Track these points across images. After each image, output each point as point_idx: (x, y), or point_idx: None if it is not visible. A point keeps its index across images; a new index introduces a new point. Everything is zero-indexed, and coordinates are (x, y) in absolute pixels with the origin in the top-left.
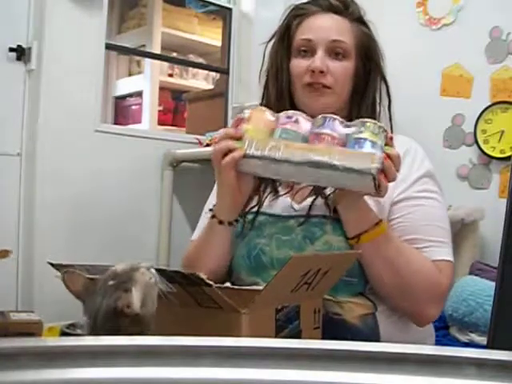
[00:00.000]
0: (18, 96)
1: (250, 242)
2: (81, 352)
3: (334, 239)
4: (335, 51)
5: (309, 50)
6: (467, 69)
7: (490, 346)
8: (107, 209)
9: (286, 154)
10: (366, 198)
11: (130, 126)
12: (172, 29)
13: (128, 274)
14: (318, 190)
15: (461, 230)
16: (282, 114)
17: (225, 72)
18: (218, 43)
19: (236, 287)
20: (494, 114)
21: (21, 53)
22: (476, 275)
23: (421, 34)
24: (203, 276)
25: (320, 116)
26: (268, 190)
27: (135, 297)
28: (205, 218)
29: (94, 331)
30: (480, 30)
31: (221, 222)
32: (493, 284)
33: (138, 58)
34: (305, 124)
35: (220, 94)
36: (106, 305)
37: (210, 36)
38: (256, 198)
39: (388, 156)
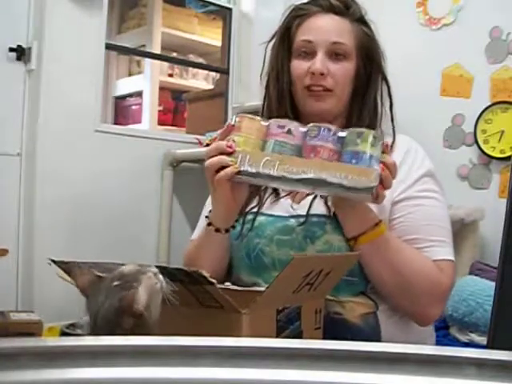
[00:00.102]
0: (18, 96)
1: (249, 243)
2: (81, 352)
3: (334, 239)
4: (336, 53)
5: (309, 52)
6: (467, 69)
7: (490, 345)
8: (107, 208)
9: (282, 171)
10: None
11: (130, 126)
12: (172, 29)
13: (134, 275)
14: None
15: (461, 230)
16: (273, 123)
17: (225, 72)
18: (218, 43)
19: (238, 288)
20: (494, 113)
21: (21, 53)
22: (476, 275)
23: (421, 34)
24: (206, 274)
25: (313, 124)
26: (269, 191)
27: (139, 298)
28: (204, 219)
29: (95, 330)
30: (480, 30)
31: (217, 230)
32: (493, 284)
33: (138, 58)
34: (298, 134)
35: (220, 93)
36: (108, 304)
37: (210, 36)
38: (256, 199)
39: (384, 165)
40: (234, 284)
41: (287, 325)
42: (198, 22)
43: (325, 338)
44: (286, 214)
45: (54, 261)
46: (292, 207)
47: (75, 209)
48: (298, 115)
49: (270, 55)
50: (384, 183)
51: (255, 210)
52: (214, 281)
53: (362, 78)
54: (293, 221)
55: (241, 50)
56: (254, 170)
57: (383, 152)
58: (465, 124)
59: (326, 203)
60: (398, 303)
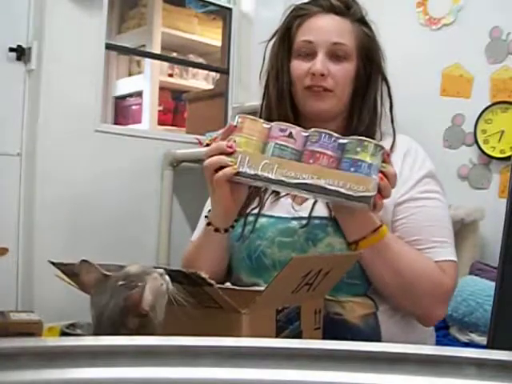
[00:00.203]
0: (18, 96)
1: (251, 244)
2: (81, 352)
3: (336, 241)
4: (336, 54)
5: (309, 52)
6: (467, 69)
7: (490, 346)
8: (107, 208)
9: (280, 175)
10: None
11: (130, 126)
12: (172, 29)
13: (140, 276)
14: None
15: (461, 230)
16: (275, 126)
17: (225, 72)
18: (218, 43)
19: (237, 288)
20: (494, 114)
21: (21, 53)
22: (476, 275)
23: (421, 34)
24: (205, 275)
25: (314, 130)
26: (269, 191)
27: (145, 298)
28: (204, 220)
29: (99, 329)
30: (480, 30)
31: (217, 230)
32: (493, 284)
33: (138, 58)
34: (299, 138)
35: (220, 93)
36: (114, 303)
37: (210, 36)
38: (256, 200)
39: (384, 174)
40: (234, 284)
41: (287, 325)
42: (198, 22)
43: (325, 338)
44: (288, 215)
45: (53, 263)
46: (293, 208)
47: (75, 209)
48: (297, 115)
49: (269, 55)
50: (382, 193)
51: (256, 211)
52: (212, 282)
53: (362, 79)
54: (295, 223)
55: (241, 50)
56: (252, 172)
57: (384, 161)
58: (465, 124)
59: (327, 205)
60: (400, 305)
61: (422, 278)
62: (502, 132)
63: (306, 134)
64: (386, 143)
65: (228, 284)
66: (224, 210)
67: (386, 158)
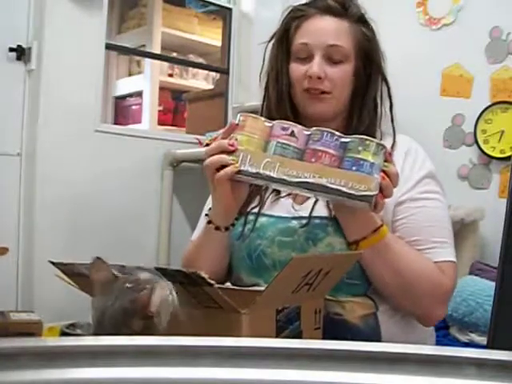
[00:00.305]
0: (18, 96)
1: (251, 244)
2: (81, 352)
3: (336, 241)
4: (333, 56)
5: (306, 55)
6: (467, 69)
7: (490, 345)
8: (107, 208)
9: (281, 174)
10: None
11: (130, 126)
12: (172, 29)
13: (149, 282)
14: None
15: (461, 230)
16: (277, 124)
17: (225, 72)
18: (218, 43)
19: (237, 288)
20: (494, 114)
21: (21, 53)
22: (476, 275)
23: (421, 34)
24: (205, 275)
25: (316, 128)
26: (269, 190)
27: (153, 301)
28: (204, 219)
29: (99, 329)
30: (480, 30)
31: (217, 228)
32: (493, 284)
33: (138, 58)
34: (301, 136)
35: (220, 93)
36: (118, 304)
37: (210, 36)
38: (257, 199)
39: (386, 173)
40: (234, 284)
41: (287, 325)
42: (198, 22)
43: (325, 338)
44: (288, 215)
45: (53, 262)
46: (294, 208)
47: (75, 208)
48: (297, 116)
49: (269, 56)
50: (384, 192)
51: (256, 210)
52: (212, 282)
53: (361, 79)
54: (295, 222)
55: (241, 50)
56: (254, 171)
57: (386, 160)
58: (465, 124)
59: (327, 205)
60: (400, 305)
61: (421, 278)
62: (502, 132)
63: (308, 133)
64: (387, 143)
65: (228, 284)
66: (225, 208)
67: (388, 158)
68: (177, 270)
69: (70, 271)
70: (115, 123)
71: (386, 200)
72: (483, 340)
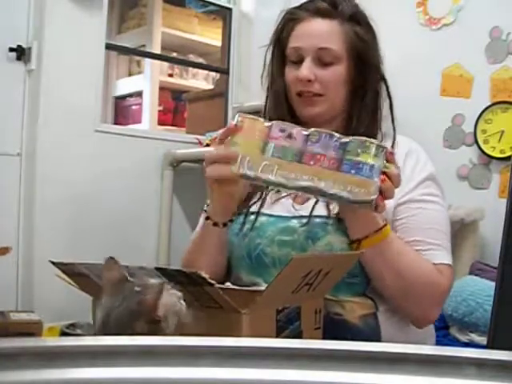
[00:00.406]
0: (18, 96)
1: (250, 243)
2: (81, 352)
3: (336, 240)
4: (323, 58)
5: (298, 59)
6: (467, 69)
7: (490, 345)
8: (107, 208)
9: (280, 177)
10: None
11: (130, 126)
12: (172, 29)
13: (159, 287)
14: None
15: (461, 230)
16: (275, 126)
17: (225, 72)
18: (218, 43)
19: (237, 288)
20: (494, 114)
21: (21, 53)
22: (476, 275)
23: (421, 34)
24: (205, 275)
25: (315, 130)
26: (270, 189)
27: (161, 306)
28: (202, 215)
29: (103, 330)
30: (480, 30)
31: (215, 224)
32: (493, 284)
33: (138, 58)
34: (299, 137)
35: (220, 94)
36: (125, 306)
37: (210, 36)
38: (257, 198)
39: (387, 174)
40: (233, 284)
41: (287, 325)
42: (198, 22)
43: (325, 338)
44: (288, 215)
45: (53, 262)
46: (294, 207)
47: (75, 208)
48: (296, 119)
49: (269, 59)
50: (385, 194)
51: (256, 209)
52: (213, 282)
53: (357, 79)
54: (295, 221)
55: (241, 50)
56: (252, 174)
57: (388, 161)
58: (465, 124)
59: (327, 205)
60: (399, 305)
61: (421, 279)
62: (502, 132)
63: (307, 133)
64: (388, 144)
65: (228, 284)
66: (223, 206)
67: (389, 158)
68: (177, 270)
69: (71, 271)
70: (115, 123)
71: (387, 200)
72: (483, 340)
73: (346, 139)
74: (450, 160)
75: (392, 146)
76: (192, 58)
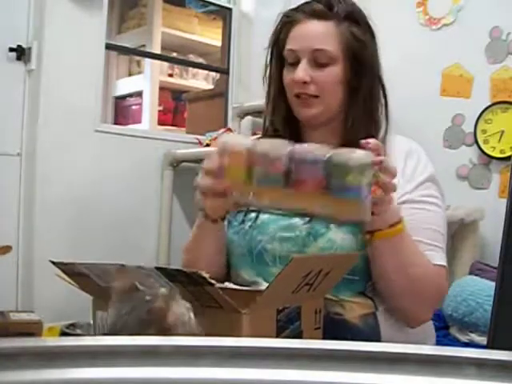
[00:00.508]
0: (18, 96)
1: (251, 240)
2: (81, 352)
3: (337, 236)
4: (319, 60)
5: (295, 61)
6: (467, 69)
7: (490, 346)
8: (107, 208)
9: (271, 203)
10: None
11: (130, 126)
12: (172, 29)
13: (169, 297)
14: None
15: (461, 230)
16: (259, 149)
17: (225, 72)
18: (218, 43)
19: (237, 287)
20: (494, 114)
21: (21, 53)
22: (476, 275)
23: (421, 34)
24: (205, 275)
25: (299, 149)
26: None
27: (171, 313)
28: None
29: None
30: (480, 30)
31: (214, 221)
32: (493, 284)
33: (138, 58)
34: (282, 162)
35: (220, 94)
36: (135, 315)
37: (210, 36)
38: None
39: (379, 185)
40: (233, 282)
41: (287, 325)
42: (198, 22)
43: (325, 338)
44: (290, 212)
45: (53, 262)
46: None
47: (75, 208)
48: (295, 120)
49: (268, 61)
50: (379, 205)
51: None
52: (213, 281)
53: (354, 80)
54: (297, 219)
55: (241, 50)
56: (243, 201)
57: (379, 159)
58: (465, 124)
59: None
60: (397, 303)
61: (425, 277)
62: (502, 132)
63: (289, 156)
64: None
65: (228, 284)
66: (217, 207)
67: (378, 164)
68: (177, 270)
69: (71, 271)
70: (115, 123)
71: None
72: (483, 340)
73: (330, 158)
74: (449, 160)
75: (383, 140)
76: (192, 58)
